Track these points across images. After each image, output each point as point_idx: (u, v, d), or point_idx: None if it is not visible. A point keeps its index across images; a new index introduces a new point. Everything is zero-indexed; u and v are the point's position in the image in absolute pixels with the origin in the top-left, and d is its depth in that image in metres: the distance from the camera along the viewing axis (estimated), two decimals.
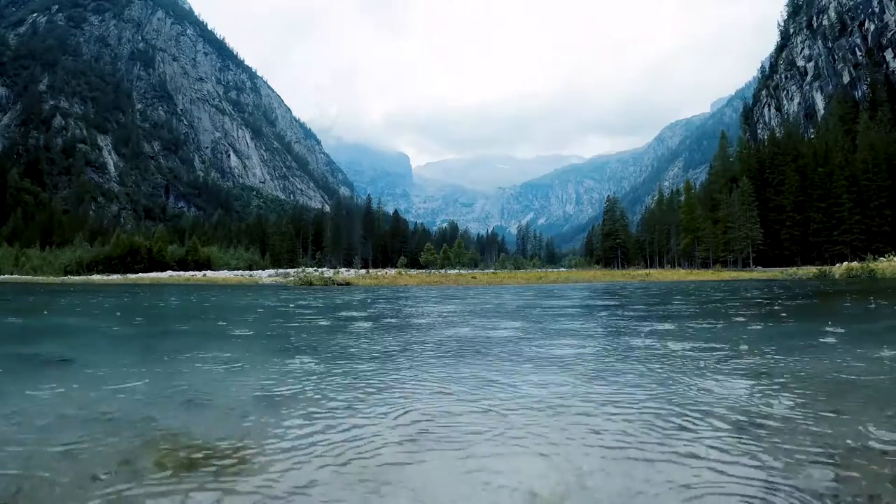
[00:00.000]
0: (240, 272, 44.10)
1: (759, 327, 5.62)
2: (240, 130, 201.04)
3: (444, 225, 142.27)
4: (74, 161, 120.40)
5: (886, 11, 78.87)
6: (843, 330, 4.87)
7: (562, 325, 5.97)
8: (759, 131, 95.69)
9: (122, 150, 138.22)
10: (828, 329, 4.87)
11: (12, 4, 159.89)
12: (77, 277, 42.67)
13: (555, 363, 3.35)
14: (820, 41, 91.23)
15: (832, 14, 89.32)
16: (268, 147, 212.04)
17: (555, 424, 1.98)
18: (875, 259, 26.72)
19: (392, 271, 41.36)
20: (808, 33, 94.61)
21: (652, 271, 39.66)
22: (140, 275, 41.20)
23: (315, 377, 2.94)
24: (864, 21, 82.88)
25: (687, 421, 1.97)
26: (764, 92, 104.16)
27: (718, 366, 3.19)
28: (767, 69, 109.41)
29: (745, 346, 3.99)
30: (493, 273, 40.74)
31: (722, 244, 56.72)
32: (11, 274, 49.08)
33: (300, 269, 38.01)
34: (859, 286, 14.02)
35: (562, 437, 1.83)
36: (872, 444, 1.70)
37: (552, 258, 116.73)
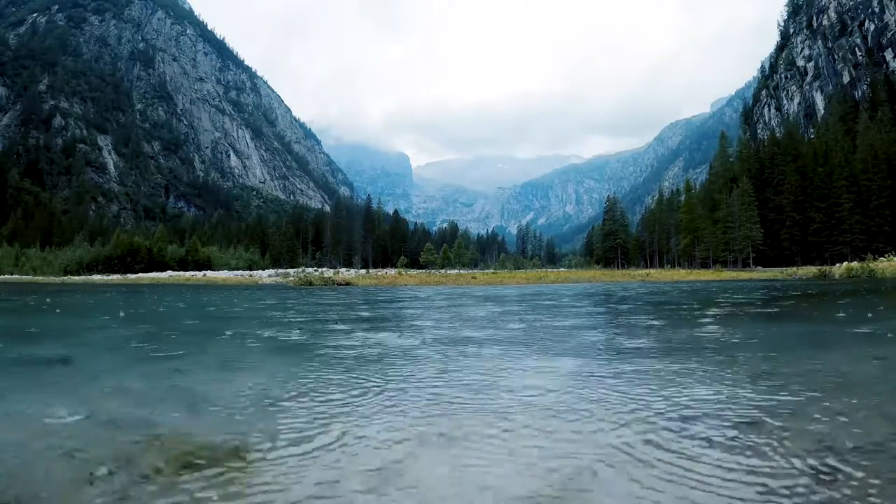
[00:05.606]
0: (240, 272, 44.07)
1: (758, 327, 5.62)
2: (240, 130, 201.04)
3: (444, 225, 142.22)
4: (74, 161, 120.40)
5: (886, 11, 78.91)
6: (842, 330, 4.87)
7: (562, 326, 5.96)
8: (759, 131, 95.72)
9: (122, 150, 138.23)
10: (827, 329, 4.87)
11: (12, 4, 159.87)
12: (77, 277, 42.68)
13: (556, 364, 3.35)
14: (820, 41, 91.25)
15: (832, 14, 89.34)
16: (268, 147, 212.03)
17: (556, 426, 1.98)
18: (875, 259, 26.67)
19: (392, 271, 41.36)
20: (808, 33, 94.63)
21: (652, 271, 39.64)
22: (140, 275, 41.20)
23: (315, 377, 2.93)
24: (864, 21, 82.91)
25: (687, 422, 1.97)
26: (764, 92, 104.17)
27: (718, 365, 3.19)
28: (767, 69, 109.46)
29: (745, 347, 3.99)
30: (494, 273, 40.70)
31: (722, 244, 56.71)
32: (11, 274, 49.09)
33: (300, 269, 38.05)
34: (859, 286, 14.03)
35: (563, 439, 1.83)
36: (871, 443, 1.69)
37: (552, 258, 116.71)
